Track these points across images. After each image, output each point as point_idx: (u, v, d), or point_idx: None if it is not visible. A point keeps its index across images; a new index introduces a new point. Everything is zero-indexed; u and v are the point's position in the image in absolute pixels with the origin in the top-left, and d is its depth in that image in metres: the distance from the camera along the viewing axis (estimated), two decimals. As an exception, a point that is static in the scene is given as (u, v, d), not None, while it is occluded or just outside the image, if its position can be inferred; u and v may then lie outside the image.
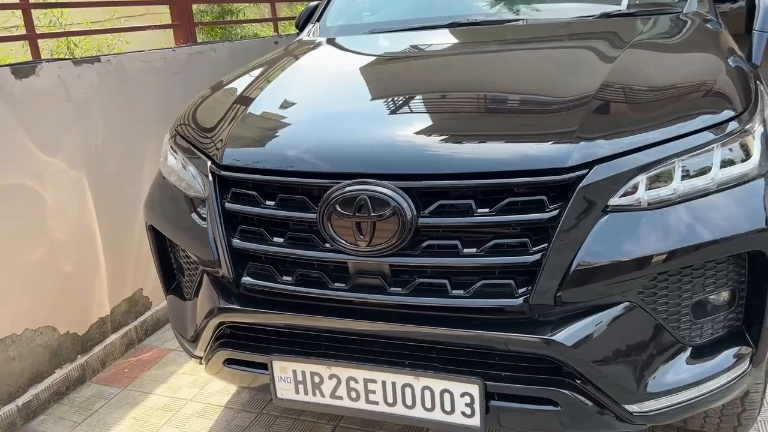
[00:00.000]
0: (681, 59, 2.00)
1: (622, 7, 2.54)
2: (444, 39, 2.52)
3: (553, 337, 1.51)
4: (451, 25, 2.67)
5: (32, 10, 3.10)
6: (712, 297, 1.67)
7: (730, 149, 1.64)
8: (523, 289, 1.52)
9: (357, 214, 1.55)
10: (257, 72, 2.38)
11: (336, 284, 1.65)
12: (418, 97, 1.94)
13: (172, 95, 3.46)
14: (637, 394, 1.59)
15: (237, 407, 2.75)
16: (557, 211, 1.50)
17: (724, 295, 1.67)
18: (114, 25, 4.50)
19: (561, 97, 1.76)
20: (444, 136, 1.66)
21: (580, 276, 1.51)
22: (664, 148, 1.57)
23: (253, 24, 6.00)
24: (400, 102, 1.90)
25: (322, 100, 2.02)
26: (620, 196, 1.54)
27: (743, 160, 1.65)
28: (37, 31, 3.15)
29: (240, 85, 2.26)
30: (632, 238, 1.53)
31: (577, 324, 1.53)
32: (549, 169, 1.50)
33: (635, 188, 1.55)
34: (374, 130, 1.76)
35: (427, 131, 1.70)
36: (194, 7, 5.82)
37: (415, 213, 1.54)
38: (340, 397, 1.71)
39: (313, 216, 1.62)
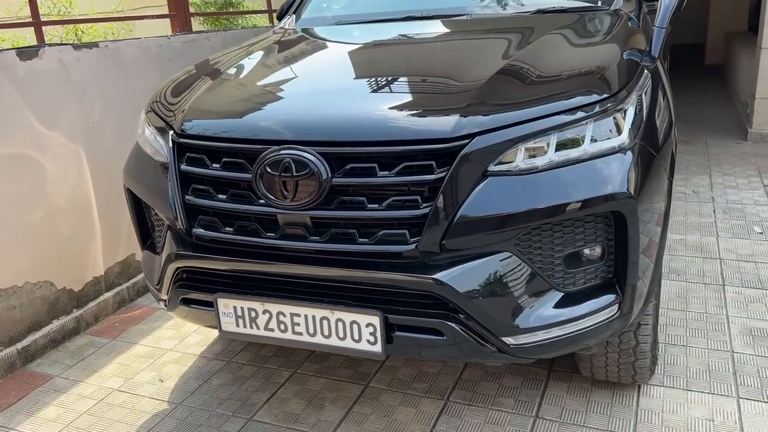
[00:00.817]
0: (580, 50, 2.29)
1: (555, 4, 2.83)
2: (391, 30, 2.84)
3: (437, 277, 1.82)
4: (405, 19, 2.98)
5: (38, 1, 3.45)
6: (586, 251, 1.98)
7: (602, 125, 1.93)
8: (415, 238, 1.84)
9: (283, 174, 1.88)
10: (226, 55, 2.72)
11: (268, 234, 1.98)
12: (344, 77, 2.27)
13: (165, 79, 3.79)
14: (513, 329, 1.90)
15: (210, 356, 3.11)
16: (443, 174, 1.81)
17: (595, 250, 1.97)
18: (120, 16, 4.88)
19: (463, 79, 2.07)
20: (357, 111, 1.98)
21: (461, 228, 1.82)
22: (541, 123, 1.87)
23: (256, 15, 6.38)
24: (328, 82, 2.24)
25: (267, 80, 2.35)
26: (500, 163, 1.85)
27: (613, 136, 1.94)
28: (45, 19, 3.51)
29: (208, 66, 2.60)
30: (507, 198, 1.84)
31: (460, 267, 1.85)
32: (436, 139, 1.82)
33: (514, 156, 1.86)
34: (301, 104, 2.10)
35: (343, 106, 2.03)
36: (197, -1, 6.19)
37: (329, 174, 1.87)
38: (272, 329, 2.05)
39: (249, 176, 1.95)
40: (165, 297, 2.29)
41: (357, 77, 2.27)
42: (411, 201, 1.84)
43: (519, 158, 1.86)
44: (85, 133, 3.39)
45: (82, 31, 5.16)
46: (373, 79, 2.22)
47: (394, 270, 1.87)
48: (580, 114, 1.91)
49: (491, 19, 2.80)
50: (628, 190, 1.89)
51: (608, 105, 1.95)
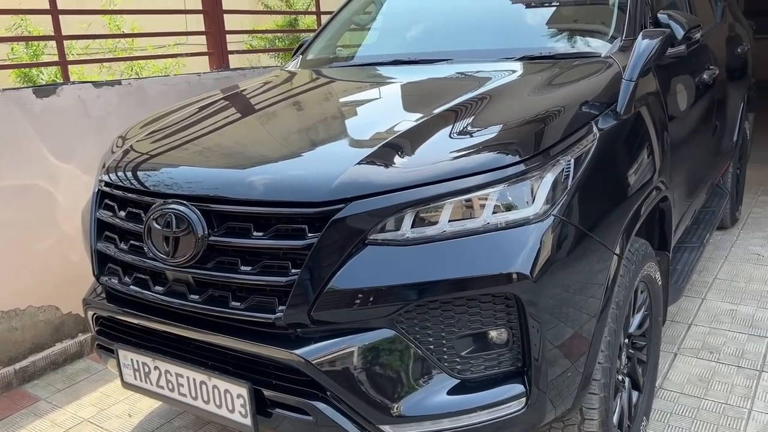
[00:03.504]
0: (518, 104, 2.03)
1: (543, 50, 2.59)
2: (358, 75, 2.76)
3: (300, 352, 1.67)
4: (392, 63, 2.87)
5: (90, 41, 3.67)
6: (489, 334, 1.74)
7: (510, 193, 1.71)
8: (282, 307, 1.71)
9: (164, 229, 1.83)
10: (194, 100, 2.74)
11: (156, 288, 1.93)
12: (256, 128, 2.19)
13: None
14: (393, 417, 1.70)
15: (184, 395, 3.10)
16: (314, 240, 1.67)
17: (500, 334, 1.74)
18: (176, 51, 5.14)
19: (369, 136, 1.91)
20: (240, 167, 1.89)
21: (332, 299, 1.66)
22: (433, 189, 1.68)
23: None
24: (237, 133, 2.17)
25: (189, 129, 2.28)
26: (383, 231, 1.68)
27: (522, 206, 1.71)
28: (110, 56, 3.74)
29: (165, 111, 2.63)
30: (387, 270, 1.66)
31: (331, 343, 1.68)
32: (308, 202, 1.68)
33: (399, 224, 1.68)
34: (197, 157, 2.04)
35: (231, 161, 1.95)
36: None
37: (206, 231, 1.78)
38: (162, 387, 1.98)
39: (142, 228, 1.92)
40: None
41: (265, 129, 2.19)
42: (282, 266, 1.72)
43: (405, 226, 1.68)
44: (101, 166, 3.54)
45: (141, 67, 5.52)
46: (278, 132, 2.13)
47: (263, 340, 1.74)
48: (482, 179, 1.70)
49: (466, 66, 2.61)
50: (528, 271, 1.64)
51: (519, 170, 1.72)
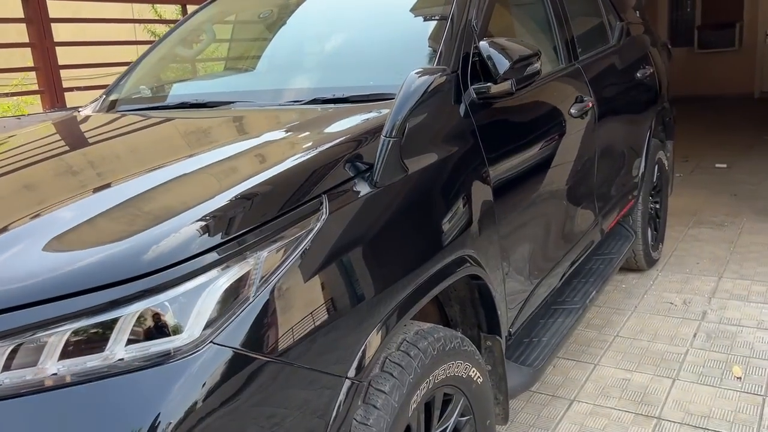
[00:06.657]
0: (221, 175, 1.52)
1: (338, 92, 2.08)
2: (116, 124, 2.26)
3: None
4: (178, 106, 2.38)
5: None
6: None
7: (153, 314, 1.19)
8: None
9: None
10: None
11: None
12: None
13: None
14: None
15: None
16: None
17: None
18: (26, 88, 4.64)
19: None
20: None
21: None
22: (37, 312, 1.16)
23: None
24: None
25: None
26: None
27: (179, 330, 1.19)
28: None
29: None
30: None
31: None
32: None
33: None
34: None
35: None
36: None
37: None
38: None
39: None
40: None
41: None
42: None
43: None
44: None
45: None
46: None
47: None
48: (110, 295, 1.18)
49: (235, 112, 2.12)
50: (158, 435, 1.12)
51: (170, 278, 1.20)
